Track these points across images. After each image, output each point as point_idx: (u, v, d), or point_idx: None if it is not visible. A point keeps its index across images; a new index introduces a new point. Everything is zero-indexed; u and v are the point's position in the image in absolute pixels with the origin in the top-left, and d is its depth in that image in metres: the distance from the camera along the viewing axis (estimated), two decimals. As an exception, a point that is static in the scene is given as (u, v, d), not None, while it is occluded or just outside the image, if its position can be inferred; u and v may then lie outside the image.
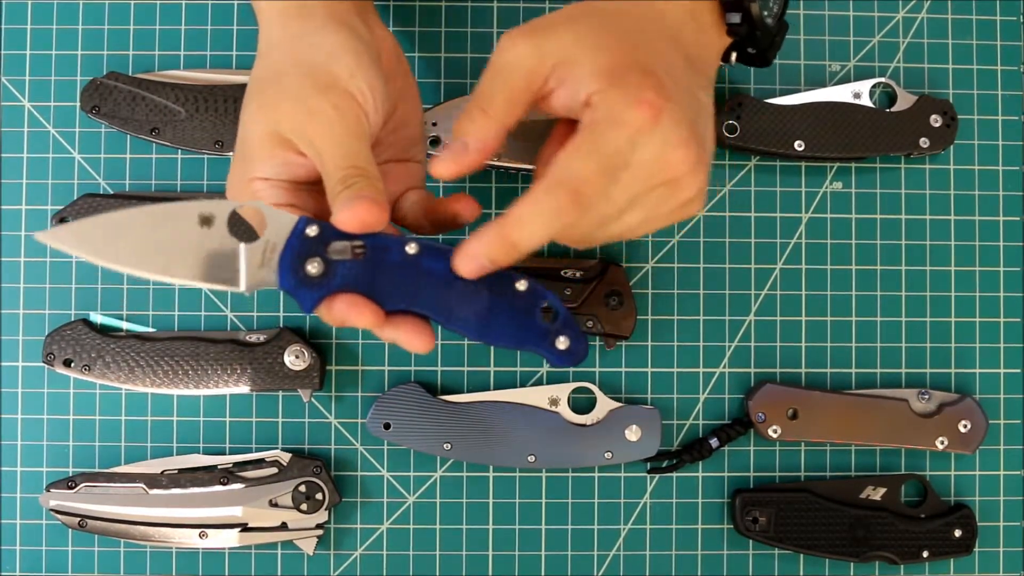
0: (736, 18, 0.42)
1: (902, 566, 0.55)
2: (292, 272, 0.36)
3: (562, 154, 0.36)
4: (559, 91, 0.38)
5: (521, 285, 0.38)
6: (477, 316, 0.37)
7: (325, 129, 0.37)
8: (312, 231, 0.36)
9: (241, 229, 0.37)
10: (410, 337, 0.38)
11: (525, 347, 0.39)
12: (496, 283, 0.38)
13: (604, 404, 0.54)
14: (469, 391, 0.55)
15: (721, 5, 0.41)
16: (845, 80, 0.57)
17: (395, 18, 0.56)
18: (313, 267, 0.36)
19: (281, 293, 0.55)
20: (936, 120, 0.56)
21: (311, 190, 0.40)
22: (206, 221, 0.36)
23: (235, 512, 0.53)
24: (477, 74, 0.56)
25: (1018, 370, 0.57)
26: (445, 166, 0.38)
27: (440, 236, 0.43)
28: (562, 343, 0.38)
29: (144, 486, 0.53)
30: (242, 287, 0.36)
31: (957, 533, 0.54)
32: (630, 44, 0.38)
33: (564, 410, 0.54)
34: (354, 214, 0.35)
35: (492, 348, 0.56)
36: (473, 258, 0.36)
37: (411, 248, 0.37)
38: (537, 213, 0.36)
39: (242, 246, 0.36)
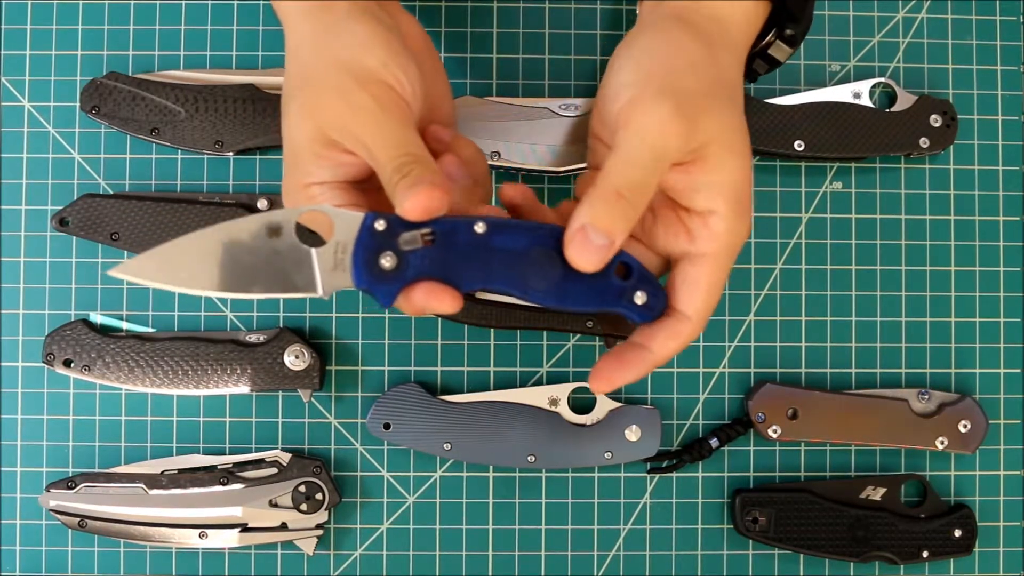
0: None
1: (902, 566, 0.55)
2: (366, 269, 0.36)
3: (699, 295, 0.38)
4: (675, 175, 0.38)
5: None
6: (553, 285, 0.37)
7: (370, 123, 0.37)
8: (380, 225, 0.36)
9: (309, 235, 0.36)
10: (436, 300, 0.37)
11: (605, 308, 0.38)
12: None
13: (604, 404, 0.54)
14: (469, 391, 0.55)
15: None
16: (845, 80, 0.57)
17: (395, 18, 0.57)
18: (387, 261, 0.36)
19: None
20: (936, 120, 0.56)
21: (367, 188, 0.40)
22: (274, 232, 0.36)
23: (235, 512, 0.53)
24: (477, 74, 0.56)
25: (1018, 370, 0.57)
26: (588, 262, 0.36)
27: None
28: (640, 298, 0.38)
29: (144, 486, 0.53)
30: (320, 292, 0.36)
31: (957, 533, 0.54)
32: (748, 148, 0.39)
33: (564, 410, 0.54)
34: (418, 202, 0.35)
35: (492, 348, 0.56)
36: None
37: (479, 227, 0.36)
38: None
39: (314, 251, 0.36)
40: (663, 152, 0.36)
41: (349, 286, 0.36)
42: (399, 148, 0.36)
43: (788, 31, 0.43)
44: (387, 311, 0.55)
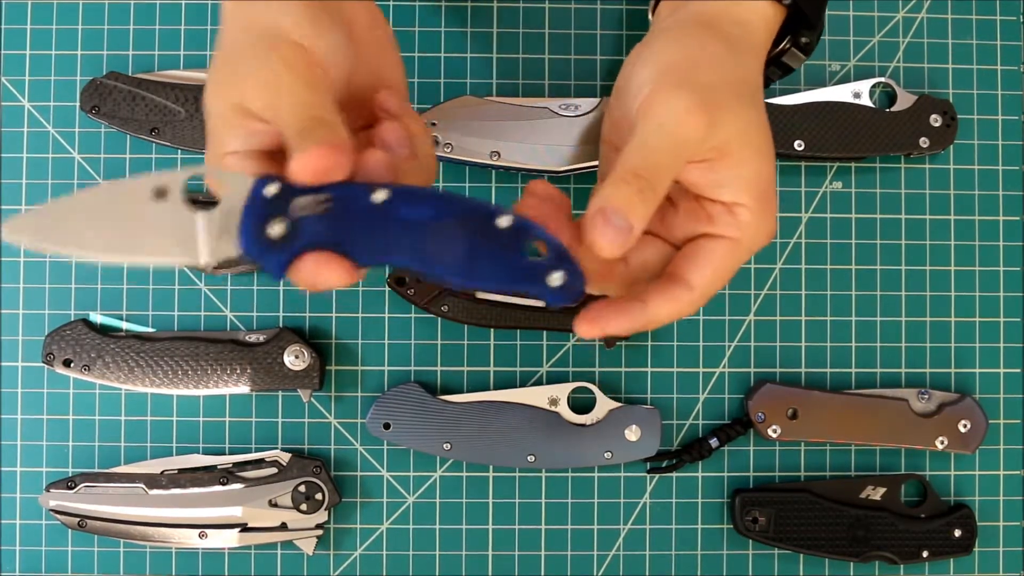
0: None
1: (902, 566, 0.55)
2: (254, 237, 0.33)
3: (708, 269, 0.37)
4: (699, 172, 0.37)
5: (504, 221, 0.34)
6: (459, 261, 0.34)
7: (277, 84, 0.35)
8: (272, 189, 0.33)
9: (200, 200, 0.34)
10: (326, 270, 0.34)
11: (516, 287, 0.34)
12: (476, 222, 0.34)
13: (604, 404, 0.54)
14: (469, 391, 0.55)
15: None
16: (845, 80, 0.57)
17: (395, 18, 0.56)
18: (275, 228, 0.33)
19: (281, 292, 0.55)
20: (936, 120, 0.56)
21: (284, 158, 0.37)
22: (160, 194, 0.33)
23: (235, 512, 0.53)
24: (477, 74, 0.56)
25: (1018, 370, 0.57)
26: (610, 245, 0.34)
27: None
28: (556, 279, 0.34)
29: (144, 486, 0.53)
30: (203, 260, 0.34)
31: (957, 533, 0.54)
32: (771, 147, 0.38)
33: (564, 410, 0.54)
34: (308, 160, 0.33)
35: (492, 348, 0.56)
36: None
37: (380, 195, 0.33)
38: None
39: (199, 215, 0.33)
40: (683, 141, 0.35)
41: (236, 254, 0.33)
42: (305, 110, 0.34)
43: (803, 39, 0.43)
44: (387, 310, 0.55)
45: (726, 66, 0.38)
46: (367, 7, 0.41)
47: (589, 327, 0.37)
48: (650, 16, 0.45)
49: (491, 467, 0.55)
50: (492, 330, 0.56)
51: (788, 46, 0.43)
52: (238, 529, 0.52)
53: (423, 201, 0.34)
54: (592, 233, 0.34)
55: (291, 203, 0.33)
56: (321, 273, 0.34)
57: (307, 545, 0.53)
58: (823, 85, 0.57)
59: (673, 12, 0.41)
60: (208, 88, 0.37)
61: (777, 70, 0.45)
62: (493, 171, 0.55)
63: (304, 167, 0.33)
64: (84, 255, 0.33)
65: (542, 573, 0.55)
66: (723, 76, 0.37)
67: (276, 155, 0.37)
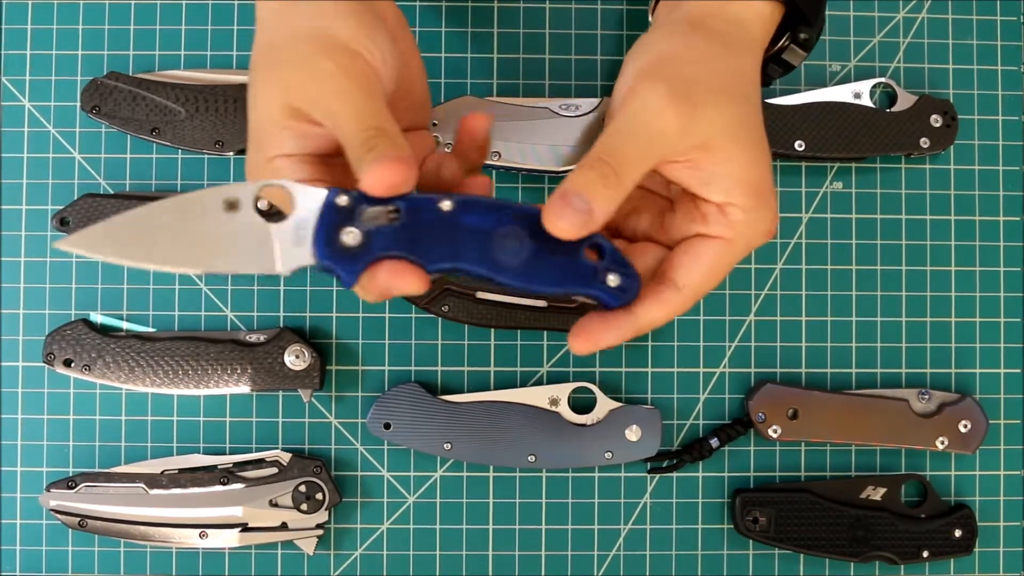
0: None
1: (902, 566, 0.55)
2: (328, 246, 0.35)
3: (698, 269, 0.38)
4: (686, 170, 0.37)
5: None
6: (522, 265, 0.36)
7: (337, 92, 0.35)
8: (343, 201, 0.35)
9: (269, 210, 0.35)
10: (401, 278, 0.36)
11: (575, 290, 0.37)
12: (537, 229, 0.36)
13: (604, 404, 0.54)
14: (469, 391, 0.55)
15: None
16: (845, 80, 0.57)
17: (395, 18, 0.56)
18: (349, 237, 0.34)
19: (281, 292, 0.55)
20: (936, 120, 0.56)
21: (333, 162, 0.38)
22: (232, 206, 0.35)
23: (235, 512, 0.53)
24: (478, 74, 0.56)
25: (1018, 370, 0.57)
26: (567, 226, 0.34)
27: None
28: (613, 280, 0.36)
29: (144, 486, 0.53)
30: (278, 269, 0.35)
31: (957, 533, 0.54)
32: (763, 144, 0.38)
33: (564, 410, 0.54)
34: (380, 176, 0.34)
35: (492, 348, 0.56)
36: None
37: (446, 204, 0.35)
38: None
39: (273, 227, 0.35)
40: (655, 132, 0.35)
41: (310, 263, 0.35)
42: (366, 119, 0.35)
43: (802, 35, 0.43)
44: (388, 310, 0.55)
45: (714, 62, 0.38)
46: (395, 9, 0.42)
47: (582, 343, 0.38)
48: (650, 17, 0.45)
49: (491, 467, 0.55)
50: (492, 330, 0.56)
51: (787, 43, 0.43)
52: (238, 529, 0.52)
53: (486, 209, 0.36)
54: (550, 215, 0.35)
55: (361, 213, 0.35)
56: (396, 281, 0.35)
57: (307, 545, 0.53)
58: (823, 85, 0.57)
59: (670, 12, 0.41)
60: (254, 90, 0.37)
61: (778, 67, 0.45)
62: (493, 171, 0.55)
63: (379, 181, 0.34)
64: (156, 267, 0.34)
65: (542, 573, 0.55)
66: (709, 72, 0.37)
67: (324, 158, 0.38)
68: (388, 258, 0.35)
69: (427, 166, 0.39)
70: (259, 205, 0.35)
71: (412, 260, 0.35)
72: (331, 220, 0.35)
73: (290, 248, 0.35)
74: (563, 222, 0.34)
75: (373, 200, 0.35)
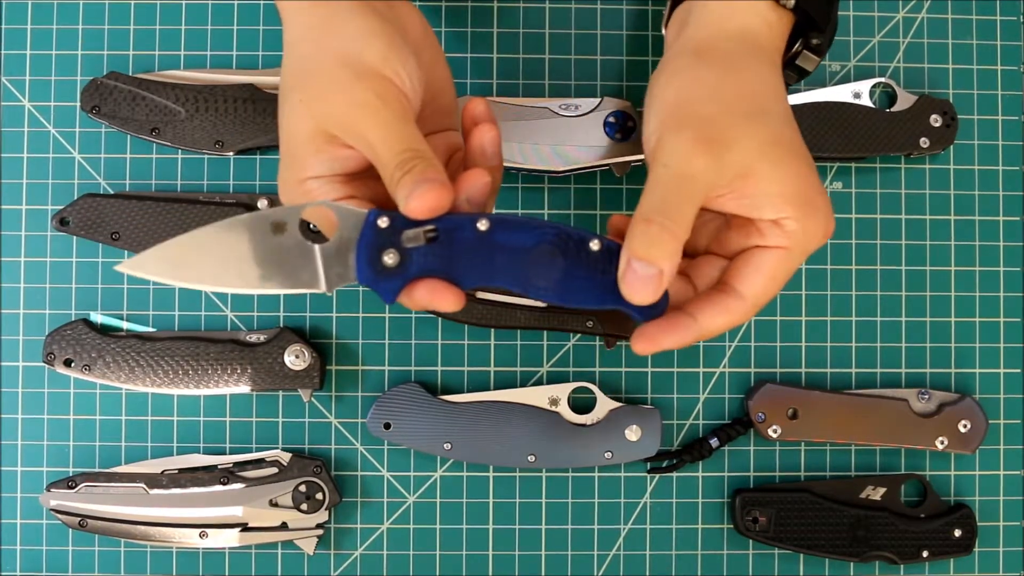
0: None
1: (902, 566, 0.55)
2: (369, 266, 0.36)
3: (759, 278, 0.39)
4: (733, 200, 0.38)
5: (595, 245, 0.37)
6: (555, 283, 0.37)
7: (372, 119, 0.37)
8: (383, 222, 0.36)
9: (312, 230, 0.37)
10: (439, 297, 0.37)
11: (607, 305, 0.38)
12: (570, 247, 0.37)
13: (604, 404, 0.54)
14: (469, 391, 0.55)
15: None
16: (845, 80, 0.57)
17: (395, 18, 0.56)
18: (390, 258, 0.36)
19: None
20: (936, 120, 0.56)
21: (363, 179, 0.40)
22: (279, 228, 0.36)
23: (235, 512, 0.53)
24: (477, 74, 0.56)
25: (1018, 370, 0.57)
26: (649, 295, 0.36)
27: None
28: None
29: (144, 486, 0.53)
30: (323, 288, 0.37)
31: (957, 533, 0.54)
32: (799, 151, 0.38)
33: (564, 410, 0.54)
34: (423, 200, 0.35)
35: (492, 348, 0.56)
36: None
37: (482, 225, 0.37)
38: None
39: (317, 247, 0.36)
40: (690, 176, 0.36)
41: (352, 282, 0.37)
42: (401, 144, 0.36)
43: (814, 40, 0.43)
44: (387, 310, 0.55)
45: (727, 91, 0.38)
46: (420, 18, 0.43)
47: (645, 345, 0.39)
48: (663, 29, 0.45)
49: (491, 467, 0.55)
50: (492, 330, 0.56)
51: (800, 48, 0.43)
52: (239, 529, 0.53)
53: (521, 229, 0.37)
54: (627, 290, 0.36)
55: (400, 234, 0.36)
56: (434, 299, 0.37)
57: (308, 545, 0.53)
58: (823, 85, 0.57)
59: (677, 36, 0.42)
60: (288, 111, 0.39)
61: (792, 74, 0.45)
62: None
63: (421, 206, 0.35)
64: (208, 288, 0.37)
65: (542, 573, 0.55)
66: (726, 105, 0.38)
67: (353, 176, 0.39)
68: (426, 277, 0.37)
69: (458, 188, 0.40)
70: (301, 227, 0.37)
71: (449, 279, 0.37)
72: (372, 241, 0.36)
73: (333, 267, 0.37)
74: (641, 294, 0.36)
75: (411, 221, 0.36)
